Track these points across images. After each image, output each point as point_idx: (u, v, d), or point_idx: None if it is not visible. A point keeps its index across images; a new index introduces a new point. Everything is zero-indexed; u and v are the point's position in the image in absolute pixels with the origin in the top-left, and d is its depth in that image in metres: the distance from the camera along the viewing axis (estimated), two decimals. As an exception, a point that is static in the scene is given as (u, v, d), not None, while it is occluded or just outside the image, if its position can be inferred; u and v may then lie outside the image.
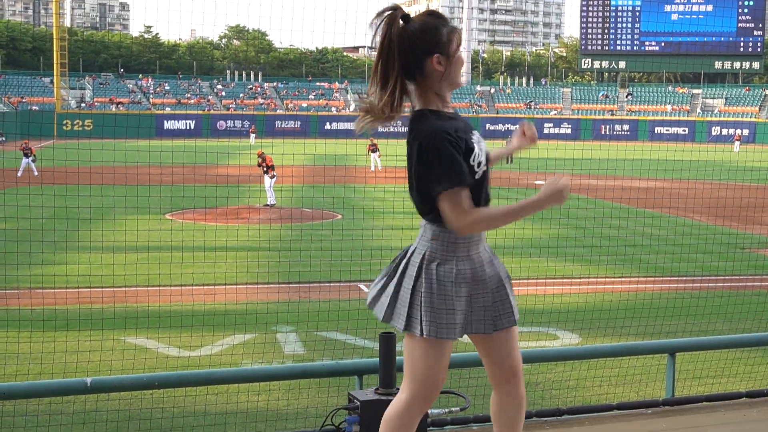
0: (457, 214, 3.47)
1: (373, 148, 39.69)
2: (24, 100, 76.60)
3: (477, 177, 3.59)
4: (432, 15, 3.61)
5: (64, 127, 68.20)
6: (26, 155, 33.77)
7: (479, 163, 3.61)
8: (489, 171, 3.74)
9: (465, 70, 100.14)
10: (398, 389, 4.85)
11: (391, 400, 4.76)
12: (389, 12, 3.54)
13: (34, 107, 75.10)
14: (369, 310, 3.87)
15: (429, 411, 4.76)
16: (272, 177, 25.19)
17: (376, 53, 3.60)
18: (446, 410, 5.11)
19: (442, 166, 3.46)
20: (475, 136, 3.68)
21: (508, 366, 3.85)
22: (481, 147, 3.67)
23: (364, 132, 3.72)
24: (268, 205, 25.16)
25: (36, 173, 32.96)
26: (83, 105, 78.95)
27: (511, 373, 3.86)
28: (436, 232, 3.65)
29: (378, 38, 3.56)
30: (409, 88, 3.62)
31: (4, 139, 58.27)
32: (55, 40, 72.76)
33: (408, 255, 3.73)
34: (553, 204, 3.52)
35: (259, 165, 25.83)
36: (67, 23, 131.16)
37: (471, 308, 3.67)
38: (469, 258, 3.67)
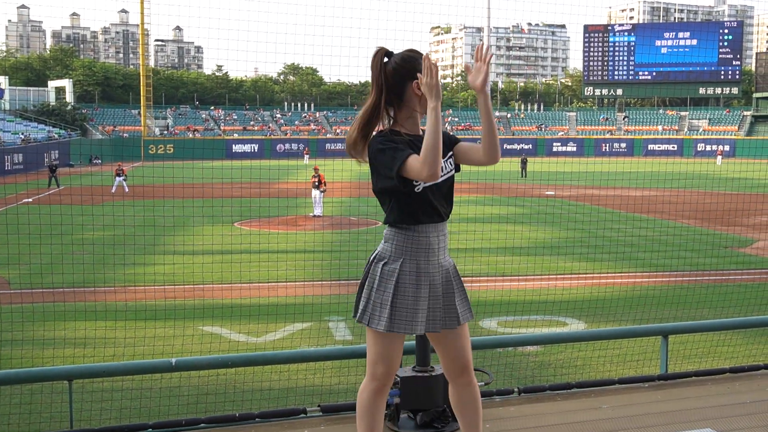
0: (417, 171, 3.26)
1: None
2: (116, 129, 77.54)
3: (417, 189, 3.44)
4: (411, 51, 3.56)
5: (150, 151, 69.05)
6: (119, 175, 34.22)
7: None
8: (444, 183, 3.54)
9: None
10: (432, 367, 4.85)
11: (425, 376, 4.78)
12: (376, 51, 3.55)
13: (124, 134, 75.99)
14: None
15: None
16: (322, 191, 24.85)
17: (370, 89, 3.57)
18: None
19: (385, 156, 3.36)
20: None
21: (460, 361, 3.67)
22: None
23: None
24: (314, 215, 24.48)
25: (126, 189, 33.34)
26: (165, 132, 79.75)
27: (462, 367, 3.68)
28: (388, 235, 3.56)
29: (370, 73, 3.56)
30: (390, 114, 3.55)
31: (100, 161, 58.99)
32: (142, 78, 73.65)
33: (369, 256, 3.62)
34: (433, 96, 3.24)
35: (313, 177, 25.25)
36: (152, 64, 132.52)
37: (418, 308, 3.47)
38: (416, 261, 3.49)
